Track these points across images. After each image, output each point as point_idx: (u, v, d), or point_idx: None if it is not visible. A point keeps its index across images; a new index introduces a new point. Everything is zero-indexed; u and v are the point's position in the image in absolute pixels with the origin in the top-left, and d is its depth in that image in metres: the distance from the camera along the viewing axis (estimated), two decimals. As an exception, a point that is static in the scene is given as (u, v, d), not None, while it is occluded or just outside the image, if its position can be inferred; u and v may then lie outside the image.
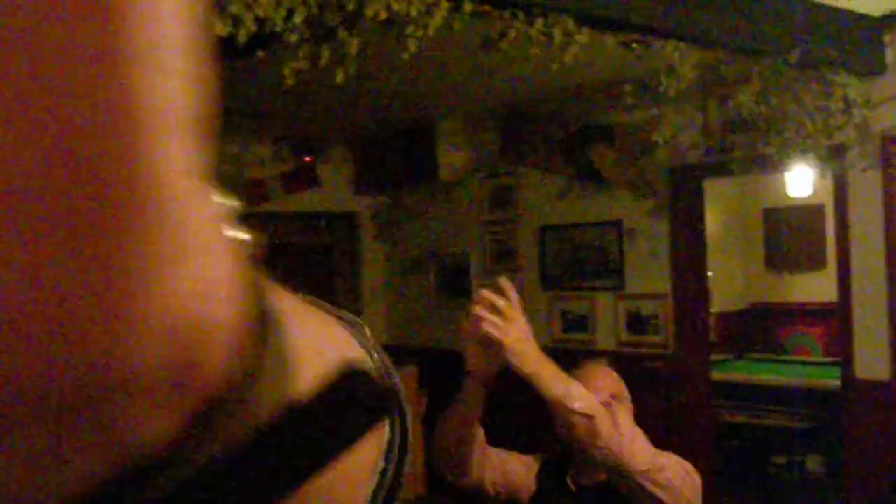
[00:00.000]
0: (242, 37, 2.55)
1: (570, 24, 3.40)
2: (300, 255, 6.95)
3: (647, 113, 5.16)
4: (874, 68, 4.44)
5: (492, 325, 2.19)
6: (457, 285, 6.40)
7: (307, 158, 6.51)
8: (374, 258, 7.10)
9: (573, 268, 5.86)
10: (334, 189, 6.80)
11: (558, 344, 5.68)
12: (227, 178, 6.34)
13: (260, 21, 2.56)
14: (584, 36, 3.45)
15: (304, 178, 6.49)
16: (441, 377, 5.16)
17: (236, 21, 2.52)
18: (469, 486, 2.44)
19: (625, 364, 2.87)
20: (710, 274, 5.98)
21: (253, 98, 4.74)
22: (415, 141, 6.18)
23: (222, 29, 2.52)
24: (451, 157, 6.06)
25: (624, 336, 5.64)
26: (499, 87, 5.08)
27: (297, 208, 6.74)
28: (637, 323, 5.58)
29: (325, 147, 6.60)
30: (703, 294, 5.61)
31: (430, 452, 4.64)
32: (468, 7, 3.10)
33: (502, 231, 6.18)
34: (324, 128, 6.22)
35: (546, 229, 5.97)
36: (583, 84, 4.96)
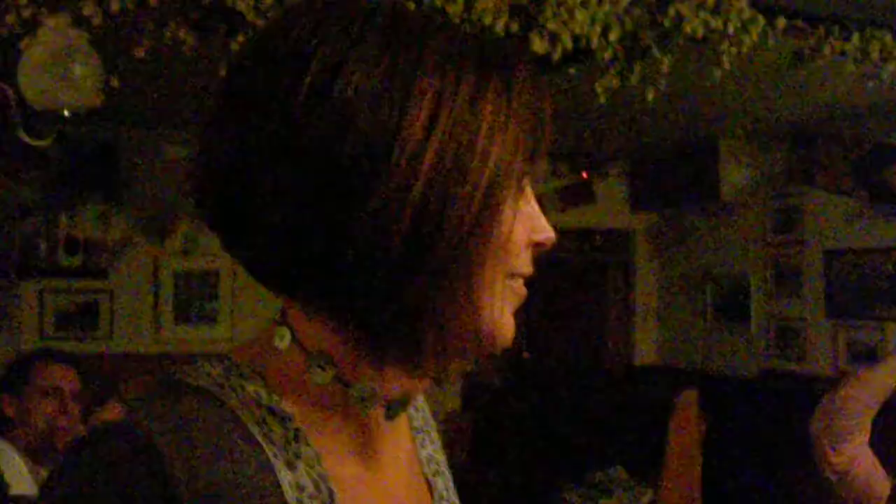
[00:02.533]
0: (558, 53, 2.58)
1: (889, 39, 3.22)
2: (573, 271, 6.96)
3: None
4: None
5: None
6: (734, 308, 6.20)
7: (584, 174, 6.51)
8: (647, 277, 7.00)
9: (862, 295, 5.54)
10: (609, 206, 6.76)
11: (841, 375, 5.38)
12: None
13: (575, 38, 2.57)
14: (903, 50, 3.25)
15: (579, 195, 6.49)
16: (720, 402, 5.03)
17: (553, 38, 2.55)
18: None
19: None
20: None
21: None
22: (695, 158, 6.04)
23: (539, 45, 2.55)
24: (734, 176, 5.89)
25: (918, 370, 5.25)
26: (790, 105, 4.88)
27: (572, 224, 6.74)
28: (935, 357, 5.18)
29: (602, 163, 6.58)
30: None
31: (708, 471, 4.51)
32: (781, 23, 2.99)
33: (785, 254, 5.93)
34: (601, 144, 6.19)
35: (833, 253, 5.67)
36: (881, 101, 4.68)
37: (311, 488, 0.78)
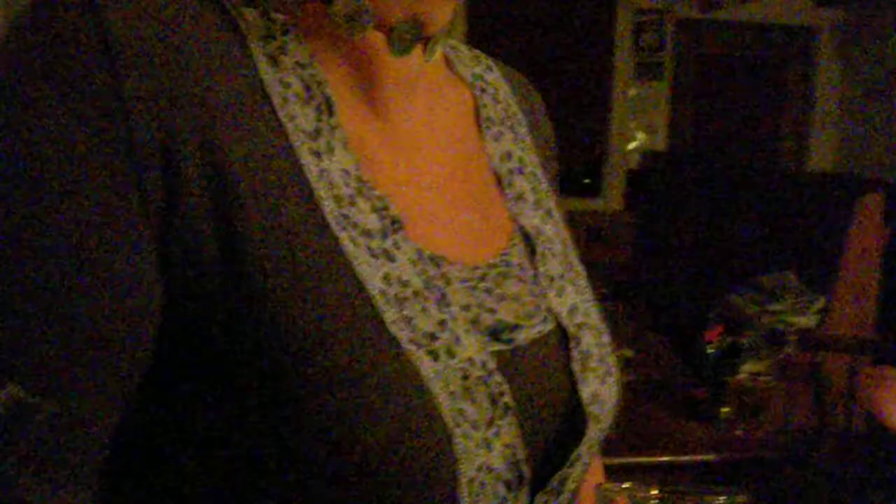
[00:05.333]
0: None
1: None
2: (748, 69, 6.58)
3: None
4: None
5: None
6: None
7: (767, -36, 6.04)
8: (829, 78, 6.56)
9: None
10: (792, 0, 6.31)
11: None
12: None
13: None
14: None
15: (761, -14, 6.05)
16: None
17: None
18: None
19: None
20: None
21: None
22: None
23: None
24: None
25: None
26: None
27: (751, 18, 6.33)
28: None
29: (788, -48, 6.08)
30: None
31: (886, 282, 4.32)
32: None
33: None
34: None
35: None
36: None
37: (298, 87, 0.65)
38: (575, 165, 6.14)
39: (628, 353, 3.43)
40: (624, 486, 0.68)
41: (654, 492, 0.63)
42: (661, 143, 6.38)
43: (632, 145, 6.30)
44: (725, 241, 5.46)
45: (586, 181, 6.28)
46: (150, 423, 0.62)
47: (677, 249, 5.68)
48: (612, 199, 6.27)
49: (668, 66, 6.33)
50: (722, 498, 0.55)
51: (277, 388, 0.57)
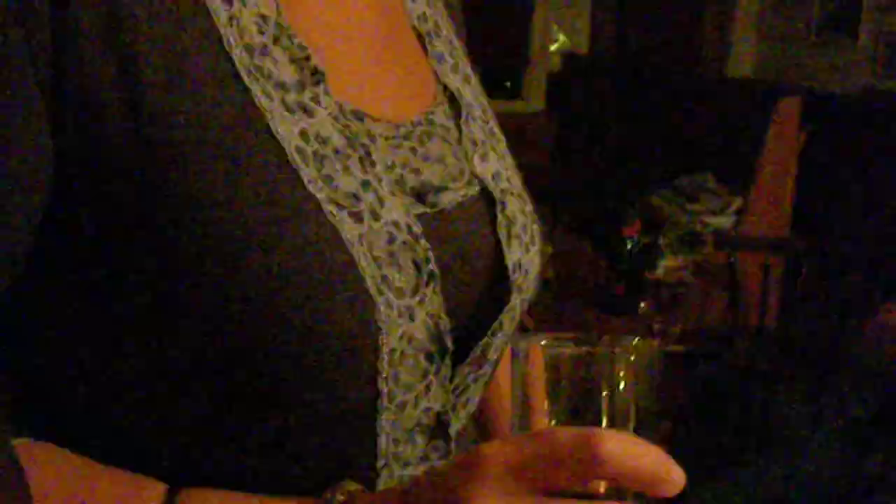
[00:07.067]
0: None
1: None
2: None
3: None
4: None
5: None
6: (844, 21, 5.79)
7: None
8: (750, -17, 6.57)
9: None
10: None
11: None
12: None
13: None
14: None
15: None
16: (820, 118, 4.81)
17: None
18: None
19: None
20: None
21: None
22: None
23: None
24: None
25: None
26: None
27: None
28: None
29: None
30: None
31: (801, 185, 4.40)
32: None
33: (906, -38, 5.45)
34: None
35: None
36: None
37: None
38: (496, 67, 6.08)
39: (548, 248, 3.43)
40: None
41: (569, 337, 0.61)
42: (582, 45, 6.36)
43: (553, 47, 6.28)
44: (645, 143, 5.49)
45: (507, 83, 6.24)
46: (64, 309, 0.59)
47: (598, 151, 5.70)
48: (533, 100, 6.26)
49: (590, -33, 6.30)
50: (635, 339, 0.55)
51: (191, 249, 0.55)
